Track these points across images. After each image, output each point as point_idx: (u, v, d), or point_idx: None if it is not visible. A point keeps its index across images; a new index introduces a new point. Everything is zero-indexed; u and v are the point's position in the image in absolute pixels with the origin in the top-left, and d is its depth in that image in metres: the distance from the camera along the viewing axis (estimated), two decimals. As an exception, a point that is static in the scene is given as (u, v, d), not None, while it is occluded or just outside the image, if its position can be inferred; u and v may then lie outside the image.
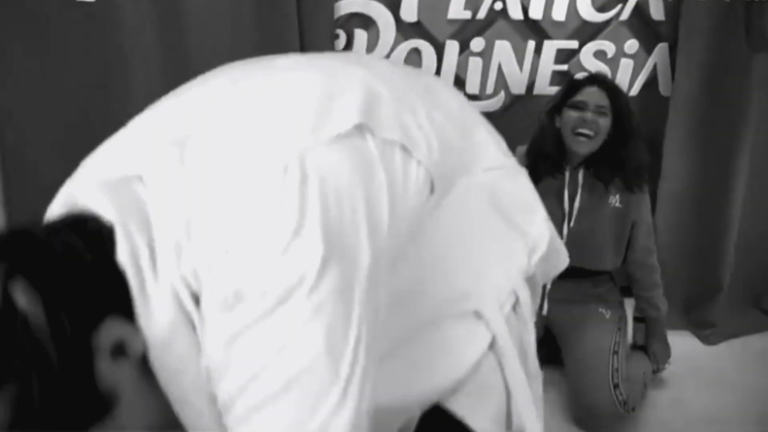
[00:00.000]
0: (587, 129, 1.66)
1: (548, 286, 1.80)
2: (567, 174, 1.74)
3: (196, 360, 0.52)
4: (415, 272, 0.70)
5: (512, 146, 1.88)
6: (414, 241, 0.70)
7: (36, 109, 1.81)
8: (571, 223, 1.75)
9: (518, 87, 2.03)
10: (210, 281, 0.50)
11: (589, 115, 1.66)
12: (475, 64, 1.99)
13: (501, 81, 2.02)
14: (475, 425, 0.69)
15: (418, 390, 0.69)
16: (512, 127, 1.97)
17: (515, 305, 0.75)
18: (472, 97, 2.00)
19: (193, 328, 0.52)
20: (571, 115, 1.68)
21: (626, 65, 2.03)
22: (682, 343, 2.05)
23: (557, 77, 2.02)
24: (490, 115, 2.07)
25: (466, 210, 0.75)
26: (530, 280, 0.79)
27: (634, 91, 2.06)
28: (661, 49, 2.02)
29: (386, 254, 0.60)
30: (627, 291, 1.87)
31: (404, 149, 0.65)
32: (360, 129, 0.60)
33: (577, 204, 1.74)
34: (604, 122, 1.67)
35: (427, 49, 1.94)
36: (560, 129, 1.71)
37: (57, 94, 1.80)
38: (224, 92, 0.62)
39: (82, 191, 0.57)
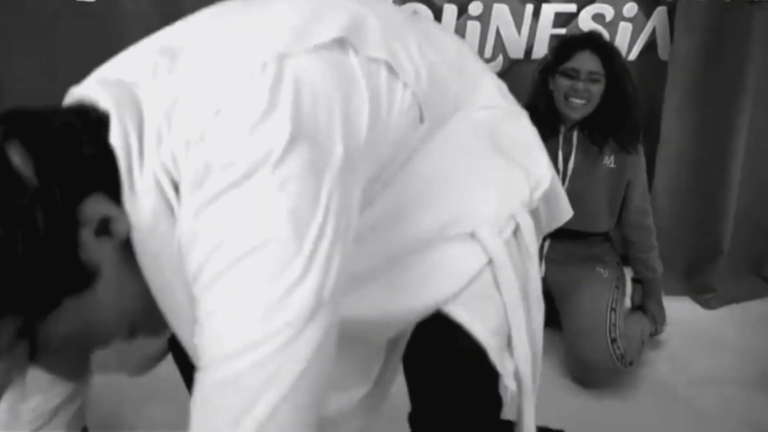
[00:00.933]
0: (579, 97, 1.65)
1: (546, 248, 1.81)
2: (561, 135, 1.73)
3: (176, 247, 0.53)
4: (406, 197, 0.70)
5: None
6: (403, 168, 0.70)
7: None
8: (566, 184, 1.74)
9: (516, 51, 2.03)
10: (186, 165, 0.51)
11: (581, 84, 1.64)
12: (473, 28, 1.98)
13: (499, 45, 2.02)
14: (476, 332, 0.68)
15: (411, 304, 0.69)
16: (511, 91, 1.99)
17: (516, 232, 0.74)
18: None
19: (173, 215, 0.53)
20: (563, 82, 1.66)
21: (625, 29, 2.02)
22: (682, 308, 2.05)
23: (555, 41, 2.01)
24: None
25: (461, 141, 0.74)
26: (533, 213, 0.77)
27: (633, 55, 2.05)
28: (660, 12, 2.01)
29: (364, 165, 0.60)
30: (625, 261, 1.86)
31: (390, 70, 0.64)
32: (342, 44, 0.60)
33: (571, 165, 1.74)
34: (597, 88, 1.65)
35: (425, 13, 1.94)
36: (553, 92, 1.70)
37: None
38: (219, 17, 0.65)
39: (83, 88, 0.60)
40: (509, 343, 0.72)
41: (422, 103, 0.67)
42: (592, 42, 1.67)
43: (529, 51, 2.02)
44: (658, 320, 1.77)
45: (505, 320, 0.71)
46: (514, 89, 2.13)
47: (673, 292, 2.08)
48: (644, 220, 1.78)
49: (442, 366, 0.73)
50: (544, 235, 0.86)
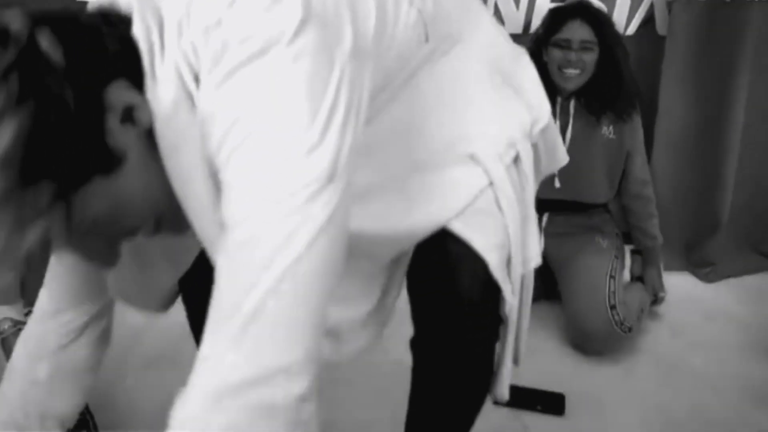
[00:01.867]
0: (572, 67, 1.65)
1: (545, 221, 1.82)
2: (558, 106, 1.74)
3: (195, 137, 0.54)
4: (410, 114, 0.71)
5: None
6: (407, 84, 0.71)
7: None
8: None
9: (515, 26, 2.04)
10: (205, 51, 0.53)
11: (573, 55, 1.64)
12: (471, 3, 1.99)
13: (498, 19, 2.03)
14: (477, 246, 0.70)
15: (416, 221, 0.71)
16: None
17: (516, 160, 0.76)
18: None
19: (194, 106, 0.54)
20: (556, 53, 1.66)
21: (623, 4, 2.03)
22: (681, 282, 2.06)
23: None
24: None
25: (465, 68, 0.76)
26: (534, 148, 0.79)
27: (631, 30, 2.06)
28: (658, -13, 2.02)
29: (371, 66, 0.61)
30: (626, 238, 1.87)
31: None
32: None
33: (569, 135, 1.74)
34: (590, 57, 1.65)
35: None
36: (547, 64, 1.69)
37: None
38: None
39: None
40: (509, 263, 0.73)
41: (427, 22, 0.69)
42: (582, 11, 1.67)
43: (527, 25, 2.03)
44: (657, 289, 1.78)
45: (506, 238, 0.72)
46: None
47: (673, 267, 2.09)
48: (644, 190, 1.79)
49: (443, 282, 0.74)
50: (542, 178, 0.87)
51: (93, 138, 0.51)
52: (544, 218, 1.81)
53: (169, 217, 0.60)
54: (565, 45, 1.64)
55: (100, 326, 0.81)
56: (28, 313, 1.82)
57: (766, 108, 2.04)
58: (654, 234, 1.78)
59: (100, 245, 0.57)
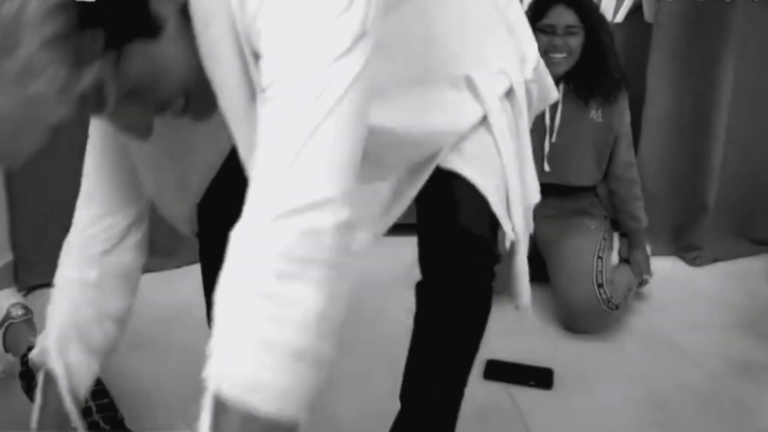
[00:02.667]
0: (558, 52, 1.68)
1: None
2: None
3: (224, 14, 0.57)
4: (415, 22, 0.74)
5: None
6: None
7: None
8: (553, 137, 1.78)
9: (505, 13, 2.07)
10: None
11: (558, 40, 1.67)
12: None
13: (488, 8, 2.06)
14: (479, 185, 0.74)
15: (425, 125, 0.74)
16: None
17: (509, 94, 0.80)
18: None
19: None
20: (542, 39, 1.69)
21: (611, -8, 2.07)
22: (669, 266, 2.10)
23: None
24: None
25: None
26: (526, 83, 0.83)
27: (620, 18, 2.10)
28: (646, -25, 2.05)
29: None
30: (616, 225, 1.89)
31: None
32: None
33: (558, 118, 1.77)
34: (576, 41, 1.68)
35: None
36: None
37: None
38: None
39: None
40: (508, 203, 0.78)
41: None
42: None
43: (517, 13, 2.06)
44: (643, 269, 1.80)
45: (504, 179, 0.77)
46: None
47: (661, 252, 2.12)
48: (629, 173, 1.82)
49: (449, 218, 0.78)
50: (536, 114, 0.92)
51: (135, 3, 0.55)
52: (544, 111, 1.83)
53: (196, 96, 0.63)
54: (550, 30, 1.68)
55: (140, 231, 0.84)
56: (26, 294, 1.83)
57: (751, 95, 2.08)
58: (638, 216, 1.81)
59: (136, 115, 0.60)
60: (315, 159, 0.52)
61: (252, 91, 0.60)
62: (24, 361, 1.22)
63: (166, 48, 0.57)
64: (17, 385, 1.28)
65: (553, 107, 1.77)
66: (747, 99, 2.07)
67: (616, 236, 1.91)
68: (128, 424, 1.13)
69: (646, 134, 2.10)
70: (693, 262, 2.11)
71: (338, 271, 0.52)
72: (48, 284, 1.99)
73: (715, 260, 2.12)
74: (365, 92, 0.55)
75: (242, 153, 0.66)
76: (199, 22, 0.58)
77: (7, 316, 1.41)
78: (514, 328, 1.71)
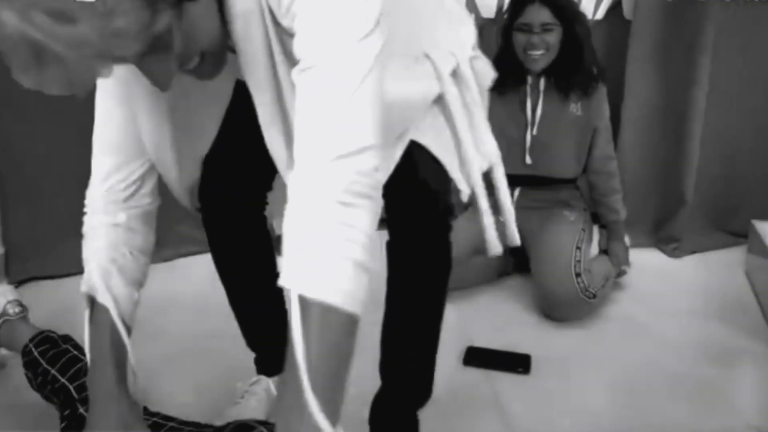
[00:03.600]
0: (536, 49, 1.73)
1: (516, 195, 1.89)
2: (528, 85, 1.81)
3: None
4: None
5: None
6: None
7: (33, 122, 1.93)
8: (534, 130, 1.82)
9: (488, 11, 2.10)
10: None
11: (535, 38, 1.72)
12: (445, -12, 2.05)
13: (471, 4, 2.09)
14: (436, 152, 0.84)
15: (402, 96, 0.84)
16: (484, 50, 2.05)
17: (456, 71, 0.90)
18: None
19: None
20: (520, 37, 1.74)
21: (591, -11, 2.11)
22: (649, 257, 2.15)
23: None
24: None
25: None
26: (470, 62, 0.93)
27: (599, 15, 2.13)
28: (625, -27, 2.10)
29: None
30: (596, 218, 1.94)
31: None
32: None
33: (539, 112, 1.81)
34: (553, 37, 1.72)
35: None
36: (514, 46, 1.77)
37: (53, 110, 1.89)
38: None
39: None
40: (462, 163, 0.90)
41: None
42: None
43: (500, 10, 2.09)
44: (621, 260, 1.85)
45: (456, 146, 0.88)
46: (487, 47, 2.23)
47: (641, 244, 2.17)
48: (608, 166, 1.86)
49: (412, 182, 0.90)
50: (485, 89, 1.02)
51: None
52: (516, 192, 1.89)
53: (209, 58, 0.74)
54: (527, 29, 1.72)
55: (153, 178, 0.92)
56: (17, 286, 1.86)
57: (727, 90, 2.12)
58: (617, 208, 1.85)
59: (165, 67, 0.69)
60: (358, 115, 0.64)
61: (272, 57, 0.73)
62: (26, 350, 1.26)
63: (200, 12, 0.68)
64: (7, 377, 1.32)
65: (534, 101, 1.81)
66: (724, 93, 2.12)
67: (596, 228, 1.96)
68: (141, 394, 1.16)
69: (625, 129, 2.15)
70: (672, 253, 2.17)
71: (375, 203, 0.65)
72: (38, 277, 2.04)
73: (693, 251, 2.17)
74: (382, 65, 0.67)
75: (261, 112, 0.79)
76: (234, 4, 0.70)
77: (4, 312, 1.44)
78: (495, 317, 1.76)
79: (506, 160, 1.88)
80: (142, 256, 0.91)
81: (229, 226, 1.14)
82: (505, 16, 1.81)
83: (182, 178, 0.95)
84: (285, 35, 0.73)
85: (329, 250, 0.62)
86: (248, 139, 0.91)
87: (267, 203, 1.17)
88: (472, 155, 0.90)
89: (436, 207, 0.92)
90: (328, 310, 0.60)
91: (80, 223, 1.96)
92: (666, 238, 2.19)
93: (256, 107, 0.79)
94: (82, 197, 2.13)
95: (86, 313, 0.89)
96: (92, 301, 0.88)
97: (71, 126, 1.99)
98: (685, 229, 2.16)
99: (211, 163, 1.01)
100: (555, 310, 1.68)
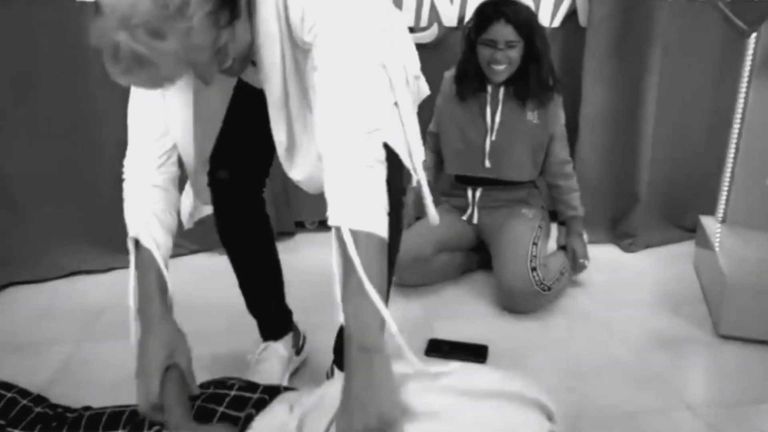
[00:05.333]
0: (499, 63, 1.82)
1: (477, 196, 1.99)
2: (488, 94, 1.91)
3: (273, 7, 0.92)
4: None
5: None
6: None
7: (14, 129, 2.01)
8: (493, 137, 1.92)
9: (450, 19, 2.20)
10: None
11: (499, 54, 1.81)
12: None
13: (434, 14, 2.19)
14: (393, 145, 0.98)
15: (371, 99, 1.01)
16: (446, 57, 2.17)
17: (408, 81, 1.10)
18: (408, 30, 2.16)
19: None
20: (484, 51, 1.83)
21: (548, -2, 2.22)
22: (606, 253, 2.26)
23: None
24: (425, 47, 2.26)
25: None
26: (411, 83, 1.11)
27: (556, 23, 2.24)
28: (580, -18, 2.21)
29: None
30: (555, 217, 2.05)
31: None
32: None
33: (498, 119, 1.91)
34: (515, 53, 1.82)
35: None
36: (478, 57, 1.86)
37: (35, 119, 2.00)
38: None
39: None
40: (411, 156, 1.04)
41: None
42: (505, 12, 1.80)
43: (461, 19, 2.20)
44: (579, 254, 1.94)
45: (406, 144, 1.03)
46: (449, 55, 2.33)
47: (599, 240, 2.29)
48: (564, 168, 1.97)
49: None
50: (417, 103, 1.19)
51: None
52: (477, 193, 1.99)
53: (239, 60, 0.95)
54: (492, 44, 1.81)
55: (176, 150, 1.11)
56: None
57: (676, 93, 2.25)
58: (575, 205, 1.96)
59: (214, 68, 0.91)
60: (374, 102, 0.92)
61: (284, 68, 0.97)
62: None
63: (241, 29, 0.91)
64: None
65: (494, 109, 1.91)
66: (674, 96, 2.24)
67: (554, 226, 2.07)
68: (115, 395, 1.22)
69: (583, 132, 2.26)
70: (627, 248, 2.28)
71: (385, 168, 0.91)
72: (17, 282, 2.09)
73: (648, 246, 2.29)
74: (383, 67, 0.94)
75: (271, 109, 1.03)
76: (258, 12, 0.93)
77: None
78: (457, 310, 1.86)
79: (467, 163, 2.02)
80: (174, 211, 1.09)
81: (235, 207, 1.33)
82: (469, 27, 1.90)
83: (197, 154, 1.14)
84: (296, 50, 0.97)
85: (366, 198, 0.88)
86: (250, 135, 1.22)
87: (265, 188, 1.37)
88: (417, 150, 1.05)
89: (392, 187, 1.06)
90: (369, 236, 0.85)
91: (59, 230, 2.08)
92: (622, 234, 2.31)
93: (268, 104, 1.03)
94: (62, 204, 2.26)
95: (132, 257, 1.05)
96: (136, 246, 1.04)
97: (52, 133, 2.06)
98: (640, 226, 2.28)
99: (220, 153, 1.23)
100: (512, 302, 1.79)
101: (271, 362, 1.44)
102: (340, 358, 1.32)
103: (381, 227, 0.87)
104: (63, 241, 2.11)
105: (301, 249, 1.63)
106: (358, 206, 0.87)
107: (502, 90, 1.90)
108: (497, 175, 1.95)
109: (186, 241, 2.18)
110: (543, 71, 1.85)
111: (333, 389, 0.85)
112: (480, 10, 1.87)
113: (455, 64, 1.98)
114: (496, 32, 1.80)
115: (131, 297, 1.03)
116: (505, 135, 1.92)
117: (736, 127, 1.98)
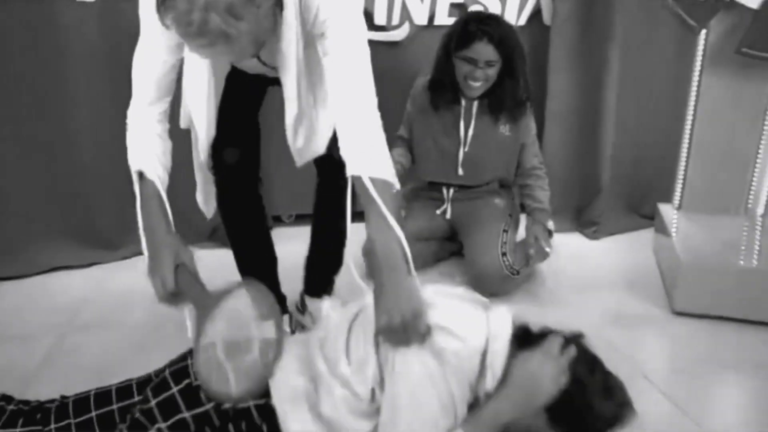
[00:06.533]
0: (477, 80, 1.85)
1: (451, 192, 2.07)
2: (462, 107, 1.96)
3: (294, 13, 1.15)
4: None
5: (417, 74, 2.10)
6: None
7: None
8: (467, 148, 1.98)
9: (420, 18, 2.28)
10: None
11: (478, 72, 1.83)
12: (381, -2, 2.23)
13: (405, 13, 2.27)
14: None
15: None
16: (417, 55, 2.26)
17: None
18: (380, 28, 2.23)
19: None
20: (463, 66, 1.85)
21: (514, -3, 2.31)
22: (571, 241, 2.38)
23: (455, 10, 2.28)
24: (397, 45, 2.33)
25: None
26: None
27: (522, 21, 2.34)
28: (544, -19, 2.31)
29: None
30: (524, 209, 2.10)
31: None
32: None
33: (471, 132, 1.96)
34: (494, 71, 1.85)
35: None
36: (455, 68, 1.88)
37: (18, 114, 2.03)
38: None
39: None
40: None
41: None
42: (488, 32, 1.81)
43: (432, 17, 2.28)
44: (540, 237, 1.95)
45: None
46: (420, 53, 2.40)
47: (565, 229, 2.40)
48: (535, 172, 2.02)
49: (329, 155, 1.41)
50: None
51: None
52: (451, 191, 2.07)
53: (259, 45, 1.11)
54: (471, 62, 1.84)
55: (169, 111, 1.29)
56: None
57: (635, 87, 2.37)
58: (540, 199, 2.00)
59: (256, 49, 1.10)
60: (370, 83, 1.17)
61: (297, 51, 1.19)
62: None
63: (261, 18, 1.05)
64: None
65: (467, 122, 1.95)
66: (633, 90, 2.36)
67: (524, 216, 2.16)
68: (100, 382, 1.24)
69: (548, 126, 2.36)
70: (592, 236, 2.40)
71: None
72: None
73: (611, 234, 2.41)
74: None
75: (285, 84, 1.25)
76: (286, 7, 1.14)
77: None
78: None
79: (440, 171, 2.06)
80: (169, 154, 1.27)
81: (235, 184, 1.53)
82: (449, 37, 1.89)
83: (209, 122, 1.37)
84: (307, 39, 1.19)
85: (379, 153, 1.14)
86: (246, 118, 1.50)
87: (260, 166, 1.57)
88: None
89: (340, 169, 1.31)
90: (384, 182, 1.10)
91: (41, 226, 2.14)
92: (586, 222, 2.43)
93: (283, 81, 1.26)
94: (42, 201, 2.32)
95: (137, 186, 1.22)
96: (140, 179, 1.21)
97: (30, 130, 2.09)
98: (603, 214, 2.40)
99: (221, 138, 1.42)
100: (483, 284, 1.86)
101: None
102: (309, 287, 1.70)
103: (393, 176, 1.13)
104: (42, 237, 2.14)
105: (278, 242, 1.73)
106: (374, 159, 1.13)
107: (475, 104, 1.94)
108: (470, 182, 2.03)
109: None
110: (518, 88, 1.89)
111: (368, 306, 1.10)
112: (463, 25, 1.87)
113: (427, 68, 2.00)
114: (478, 51, 1.81)
115: (139, 217, 1.20)
116: (478, 147, 1.97)
117: (689, 118, 2.11)
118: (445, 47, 1.90)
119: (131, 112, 1.25)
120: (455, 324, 1.03)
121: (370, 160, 1.12)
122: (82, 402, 1.18)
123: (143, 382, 1.16)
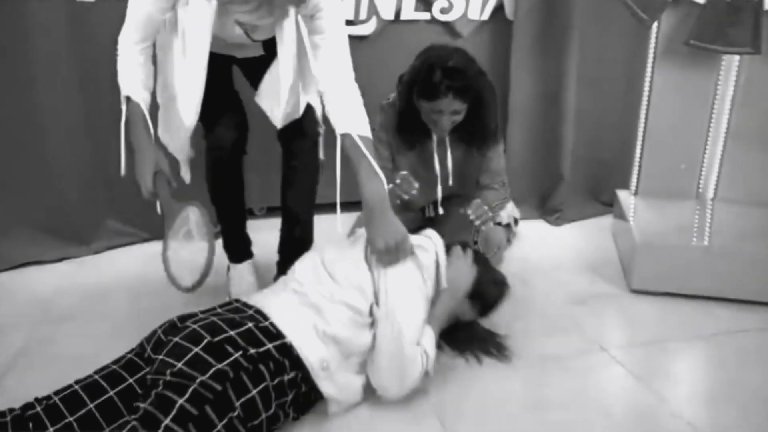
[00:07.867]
0: (443, 126, 1.80)
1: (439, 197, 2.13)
2: (435, 141, 1.93)
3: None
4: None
5: (386, 69, 2.12)
6: None
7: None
8: (450, 183, 1.97)
9: (387, 12, 2.34)
10: None
11: (445, 119, 1.77)
12: (349, -7, 2.28)
13: (372, 8, 2.32)
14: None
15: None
16: (383, 49, 2.31)
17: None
18: (348, 22, 2.28)
19: None
20: (430, 114, 1.78)
21: (478, -7, 2.39)
22: (535, 227, 2.47)
23: (420, 5, 2.35)
24: (365, 39, 2.38)
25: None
26: None
27: (485, 16, 2.42)
28: (506, -23, 2.39)
29: None
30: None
31: None
32: None
33: (449, 162, 1.94)
34: (461, 115, 1.79)
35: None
36: (420, 108, 1.80)
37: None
38: None
39: None
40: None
41: None
42: (453, 87, 1.71)
43: (398, 13, 2.34)
44: (494, 241, 2.06)
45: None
46: (387, 48, 2.45)
47: (529, 216, 2.50)
48: (501, 178, 2.01)
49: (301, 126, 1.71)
50: None
51: None
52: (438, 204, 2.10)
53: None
54: (438, 112, 1.76)
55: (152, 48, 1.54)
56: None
57: (594, 79, 2.46)
58: (499, 202, 2.00)
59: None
60: (351, 66, 1.48)
61: (295, 26, 1.49)
62: None
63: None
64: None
65: (443, 154, 1.94)
66: (592, 82, 2.46)
67: (511, 203, 2.22)
68: (64, 379, 1.24)
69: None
70: (555, 222, 2.50)
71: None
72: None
73: (573, 220, 2.52)
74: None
75: (282, 58, 1.52)
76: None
77: None
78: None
79: (423, 194, 1.94)
80: (151, 80, 1.52)
81: (224, 161, 1.71)
82: (411, 80, 1.79)
83: (196, 101, 1.55)
84: (305, 16, 1.45)
85: (362, 116, 1.45)
86: (235, 98, 1.73)
87: (246, 143, 1.73)
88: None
89: (312, 129, 1.67)
90: (367, 139, 1.42)
91: (11, 221, 2.17)
92: (549, 210, 2.53)
93: (280, 53, 1.52)
94: (11, 195, 2.34)
95: (124, 106, 1.48)
96: (128, 101, 1.47)
97: (18, 123, 2.07)
98: (565, 202, 2.50)
99: (215, 115, 1.65)
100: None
101: (233, 282, 1.84)
102: (284, 267, 1.77)
103: (370, 133, 1.46)
104: (12, 232, 2.14)
105: (250, 234, 1.79)
106: (360, 120, 1.43)
107: (447, 139, 1.91)
108: (456, 191, 2.03)
109: (137, 230, 2.27)
110: (489, 123, 1.86)
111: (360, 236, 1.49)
112: (426, 74, 1.74)
113: (396, 61, 1.94)
114: (443, 105, 1.74)
115: (122, 132, 1.47)
116: (459, 172, 1.96)
117: (643, 108, 2.22)
118: (408, 91, 1.81)
119: (121, 43, 1.48)
120: (423, 242, 1.46)
121: (357, 121, 1.42)
122: (71, 397, 1.16)
123: (126, 364, 1.19)
